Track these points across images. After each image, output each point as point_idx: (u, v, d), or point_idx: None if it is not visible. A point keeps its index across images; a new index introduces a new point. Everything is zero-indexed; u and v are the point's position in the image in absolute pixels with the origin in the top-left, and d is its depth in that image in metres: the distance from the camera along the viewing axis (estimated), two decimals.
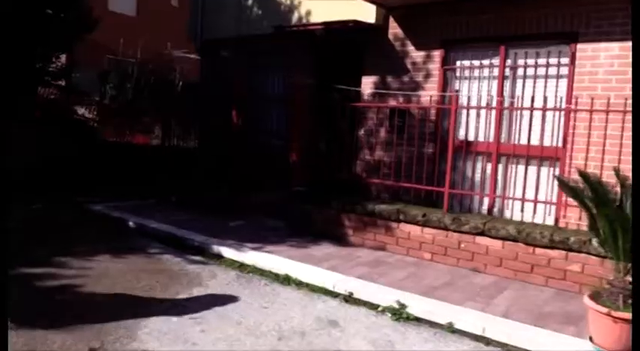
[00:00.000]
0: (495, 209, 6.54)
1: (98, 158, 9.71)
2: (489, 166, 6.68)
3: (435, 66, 7.34)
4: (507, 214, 6.48)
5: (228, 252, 5.64)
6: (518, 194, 6.16)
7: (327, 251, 5.78)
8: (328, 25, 7.60)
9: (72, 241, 5.97)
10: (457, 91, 6.10)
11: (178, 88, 11.63)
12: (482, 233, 5.24)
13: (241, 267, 5.37)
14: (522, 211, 6.21)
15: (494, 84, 6.87)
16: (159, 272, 5.13)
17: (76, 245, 5.81)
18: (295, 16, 8.72)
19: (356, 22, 7.47)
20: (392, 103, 7.61)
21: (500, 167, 6.68)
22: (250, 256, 5.46)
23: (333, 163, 7.81)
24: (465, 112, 6.97)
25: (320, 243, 6.11)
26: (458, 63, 7.22)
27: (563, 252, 4.82)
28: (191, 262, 5.55)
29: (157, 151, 10.34)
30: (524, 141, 6.43)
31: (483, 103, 6.83)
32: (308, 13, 8.56)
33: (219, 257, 5.65)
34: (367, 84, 8.03)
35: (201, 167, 9.00)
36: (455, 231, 5.42)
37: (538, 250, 4.95)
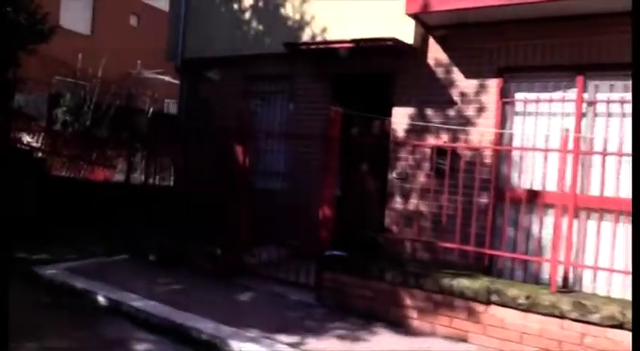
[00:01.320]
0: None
1: (47, 199, 7.67)
2: (556, 222, 5.31)
3: (490, 98, 6.03)
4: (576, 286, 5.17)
5: None
6: (595, 259, 4.82)
7: (393, 346, 4.13)
8: (359, 43, 6.16)
9: (12, 331, 3.99)
10: (580, 131, 4.74)
11: (149, 115, 9.80)
12: (620, 326, 3.78)
13: None
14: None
15: (569, 122, 5.60)
16: None
17: (19, 340, 3.86)
18: (307, 34, 7.24)
19: (395, 42, 6.07)
20: (430, 140, 6.20)
21: (576, 224, 5.34)
22: None
23: (355, 213, 6.28)
24: (528, 155, 5.64)
25: (374, 330, 4.45)
26: (520, 95, 5.94)
27: None
28: None
29: (121, 190, 8.38)
30: (609, 192, 5.15)
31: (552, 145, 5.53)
32: (323, 31, 7.10)
33: None
34: (400, 117, 6.61)
35: (181, 212, 7.18)
36: (576, 320, 3.94)
37: None
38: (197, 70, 8.41)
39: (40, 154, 8.85)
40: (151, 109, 9.88)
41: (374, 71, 6.76)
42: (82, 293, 4.97)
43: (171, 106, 13.16)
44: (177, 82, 9.80)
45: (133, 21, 20.69)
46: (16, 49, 7.33)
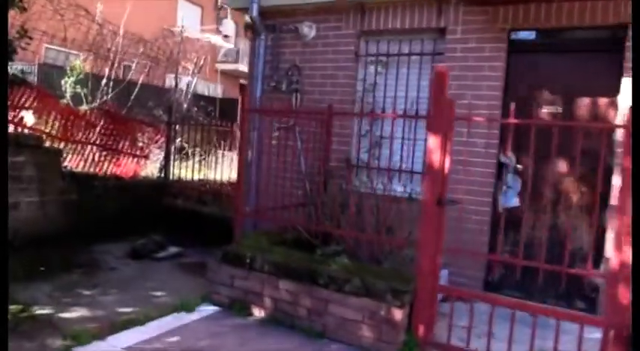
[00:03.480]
0: None
1: (76, 211, 5.22)
2: None
3: None
4: None
5: None
6: None
7: None
8: None
9: None
10: None
11: (192, 87, 7.29)
12: None
13: None
14: None
15: None
16: None
17: None
18: None
19: None
20: None
21: None
22: None
23: (544, 233, 4.07)
24: None
25: None
26: None
27: None
28: None
29: (167, 191, 5.96)
30: None
31: None
32: None
33: None
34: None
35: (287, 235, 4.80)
36: None
37: None
38: (281, 23, 5.94)
39: (50, 143, 6.28)
40: (195, 80, 7.35)
41: (585, 25, 4.46)
42: None
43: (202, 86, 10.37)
44: (229, 45, 7.29)
45: None
46: None
